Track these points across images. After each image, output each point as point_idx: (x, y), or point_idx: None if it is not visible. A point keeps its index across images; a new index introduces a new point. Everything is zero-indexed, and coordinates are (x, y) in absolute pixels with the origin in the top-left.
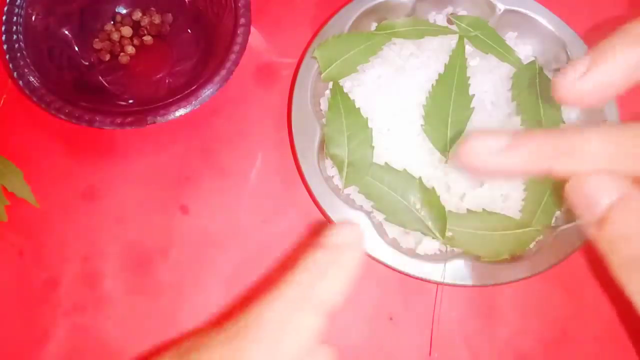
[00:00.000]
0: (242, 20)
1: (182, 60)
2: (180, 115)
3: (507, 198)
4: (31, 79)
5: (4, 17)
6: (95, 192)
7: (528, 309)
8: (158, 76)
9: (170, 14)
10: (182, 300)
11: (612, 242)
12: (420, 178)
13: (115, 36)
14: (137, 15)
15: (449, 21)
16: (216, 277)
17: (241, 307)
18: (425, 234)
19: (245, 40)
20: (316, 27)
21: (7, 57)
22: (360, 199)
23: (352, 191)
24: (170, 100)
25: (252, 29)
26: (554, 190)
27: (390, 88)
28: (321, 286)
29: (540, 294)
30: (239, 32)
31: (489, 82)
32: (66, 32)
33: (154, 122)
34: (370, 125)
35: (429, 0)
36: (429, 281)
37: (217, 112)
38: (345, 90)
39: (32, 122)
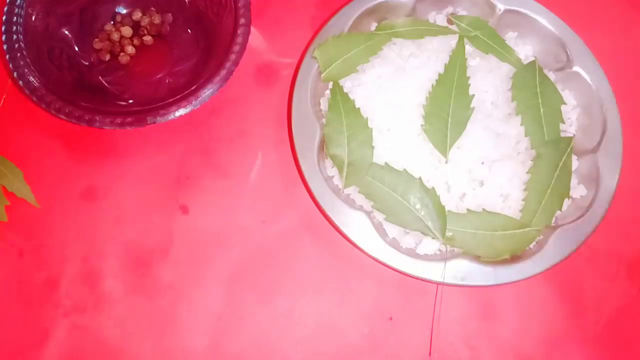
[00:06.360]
0: (242, 20)
1: (182, 60)
2: (180, 115)
3: (507, 198)
4: (31, 79)
5: (4, 17)
6: (95, 192)
7: (528, 309)
8: (158, 76)
9: (170, 14)
10: (182, 300)
11: None
12: (420, 178)
13: (115, 36)
14: (137, 15)
15: (449, 21)
16: (216, 277)
17: None
18: (425, 234)
19: (245, 40)
20: (316, 27)
21: (7, 57)
22: (360, 199)
23: (352, 191)
24: (170, 100)
25: (252, 29)
26: (553, 190)
27: (390, 88)
28: None
29: (540, 294)
30: (239, 32)
31: (489, 82)
32: (66, 32)
33: (154, 122)
34: (370, 125)
35: (429, 0)
36: (429, 281)
37: (217, 112)
38: (345, 90)
39: (32, 122)
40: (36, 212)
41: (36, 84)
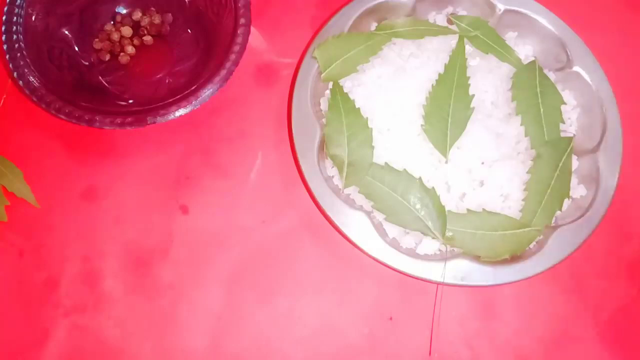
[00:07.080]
0: (242, 20)
1: (182, 60)
2: (180, 115)
3: (507, 198)
4: (31, 79)
5: (4, 17)
6: (95, 192)
7: (528, 309)
8: (158, 76)
9: (170, 14)
10: (182, 300)
11: None
12: (420, 178)
13: (115, 36)
14: (137, 15)
15: (449, 21)
16: (216, 277)
17: None
18: (425, 234)
19: (245, 40)
20: (316, 27)
21: (7, 57)
22: (360, 199)
23: (352, 191)
24: (170, 100)
25: (252, 29)
26: (553, 190)
27: (390, 88)
28: None
29: (540, 294)
30: (239, 32)
31: (489, 82)
32: (66, 32)
33: (154, 122)
34: (370, 125)
35: (429, 0)
36: (429, 281)
37: (217, 112)
38: (345, 90)
39: (32, 122)
40: (36, 212)
41: (36, 84)
